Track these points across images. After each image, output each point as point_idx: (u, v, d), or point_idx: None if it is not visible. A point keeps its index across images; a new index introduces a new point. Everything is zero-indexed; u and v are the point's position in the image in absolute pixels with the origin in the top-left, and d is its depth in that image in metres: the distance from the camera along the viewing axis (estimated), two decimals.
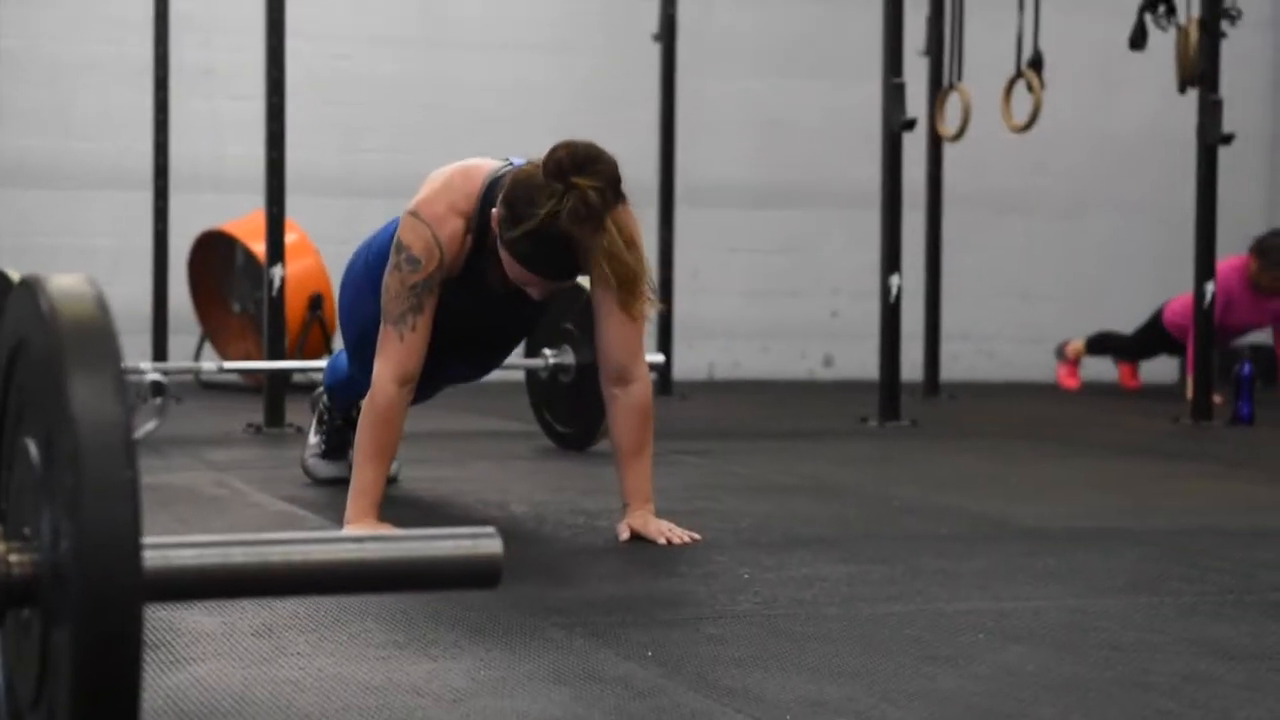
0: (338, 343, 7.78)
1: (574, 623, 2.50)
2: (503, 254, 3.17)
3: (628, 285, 3.19)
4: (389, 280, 3.28)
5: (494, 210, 3.17)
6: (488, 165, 3.32)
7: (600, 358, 3.35)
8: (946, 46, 7.41)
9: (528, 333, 3.92)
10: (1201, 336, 6.80)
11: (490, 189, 3.25)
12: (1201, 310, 6.75)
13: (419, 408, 3.69)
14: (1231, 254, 7.89)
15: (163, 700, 2.01)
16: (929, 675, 2.19)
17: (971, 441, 6.06)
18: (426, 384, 3.52)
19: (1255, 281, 7.88)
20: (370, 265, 3.59)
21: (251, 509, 3.78)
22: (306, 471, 4.22)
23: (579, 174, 3.03)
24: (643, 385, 3.33)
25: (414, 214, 3.28)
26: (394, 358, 3.25)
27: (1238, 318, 7.92)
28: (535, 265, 3.14)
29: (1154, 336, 8.39)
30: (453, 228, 3.26)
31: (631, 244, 3.16)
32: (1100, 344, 8.79)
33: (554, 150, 3.08)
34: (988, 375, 9.79)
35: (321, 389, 4.28)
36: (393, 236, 3.34)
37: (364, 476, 3.24)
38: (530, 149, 3.28)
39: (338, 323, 4.33)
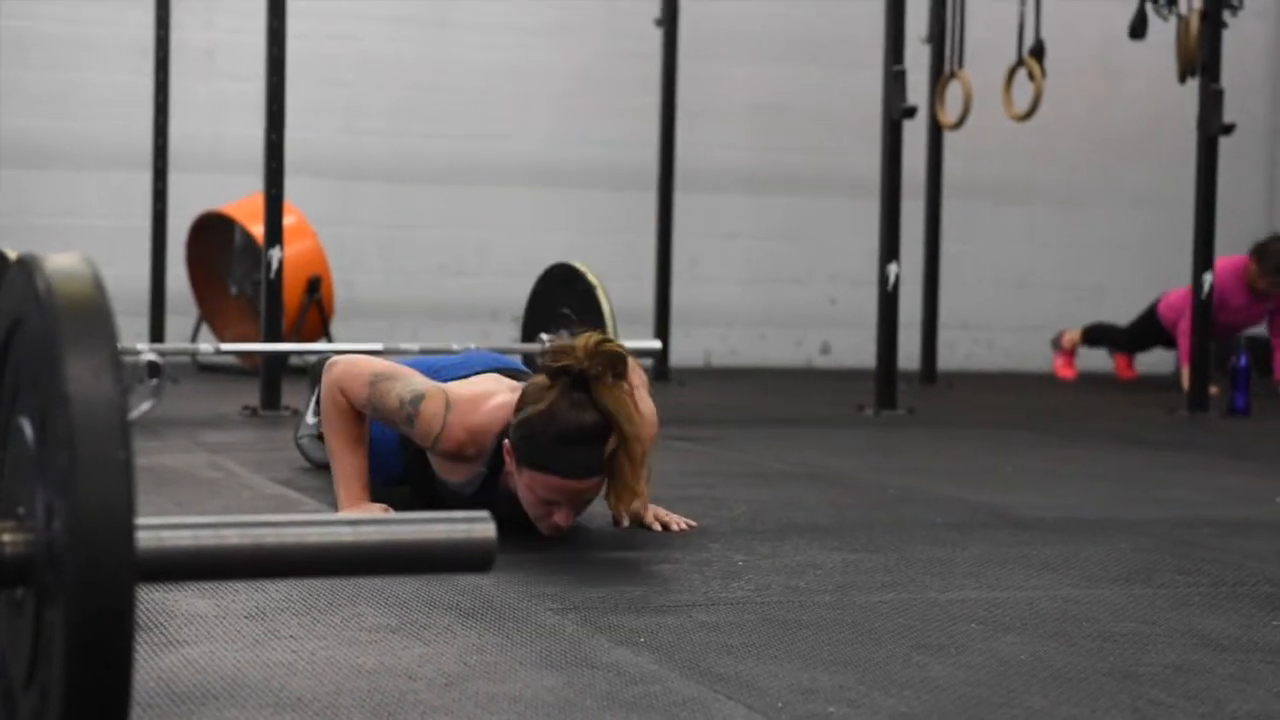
0: (335, 326, 7.80)
1: (567, 608, 2.51)
2: (519, 480, 2.93)
3: (634, 473, 2.82)
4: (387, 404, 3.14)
5: (505, 440, 2.97)
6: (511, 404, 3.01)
7: None
8: (948, 34, 7.41)
9: None
10: (1199, 327, 6.80)
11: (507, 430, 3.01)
12: (1199, 301, 6.75)
13: None
14: (1229, 246, 7.90)
15: (155, 682, 2.02)
16: (921, 664, 2.20)
17: (967, 431, 6.06)
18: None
19: (1252, 284, 7.87)
20: None
21: (246, 491, 3.78)
22: (302, 451, 4.20)
23: (575, 344, 2.83)
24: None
25: (447, 400, 3.08)
26: (353, 384, 3.17)
27: (1231, 317, 7.90)
28: (553, 464, 2.84)
29: (1149, 329, 8.39)
30: (461, 441, 3.05)
31: (638, 411, 2.85)
32: (1095, 335, 8.80)
33: (544, 357, 2.90)
34: (985, 364, 9.79)
35: (321, 361, 4.25)
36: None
37: (346, 463, 3.23)
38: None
39: None
